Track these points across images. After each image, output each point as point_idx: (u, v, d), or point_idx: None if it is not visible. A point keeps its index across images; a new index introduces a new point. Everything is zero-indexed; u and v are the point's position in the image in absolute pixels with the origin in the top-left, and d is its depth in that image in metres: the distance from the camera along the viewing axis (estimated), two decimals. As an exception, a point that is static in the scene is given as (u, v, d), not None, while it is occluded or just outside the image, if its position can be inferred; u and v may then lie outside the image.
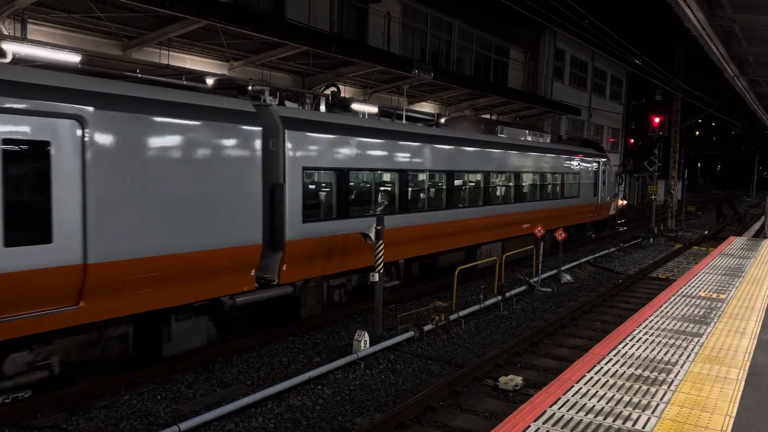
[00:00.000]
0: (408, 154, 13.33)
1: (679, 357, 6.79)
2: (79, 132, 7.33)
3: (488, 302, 13.78)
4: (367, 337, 10.26)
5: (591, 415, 5.18)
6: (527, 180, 18.98)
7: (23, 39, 10.97)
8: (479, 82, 23.81)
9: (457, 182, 15.16)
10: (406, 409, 7.82)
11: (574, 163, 22.48)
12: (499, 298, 14.18)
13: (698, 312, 8.90)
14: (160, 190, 8.25)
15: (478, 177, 16.17)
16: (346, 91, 18.58)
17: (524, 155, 18.71)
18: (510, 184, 17.87)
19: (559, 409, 5.31)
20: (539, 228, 16.84)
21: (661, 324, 8.18)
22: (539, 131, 21.80)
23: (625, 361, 6.60)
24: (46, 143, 7.02)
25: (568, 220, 22.18)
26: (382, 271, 11.16)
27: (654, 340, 7.44)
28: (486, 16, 28.13)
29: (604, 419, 5.11)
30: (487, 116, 26.49)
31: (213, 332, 9.93)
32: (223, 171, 9.10)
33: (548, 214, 20.25)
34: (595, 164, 24.65)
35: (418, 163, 13.67)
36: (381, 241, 11.07)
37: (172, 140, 8.42)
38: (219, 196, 9.04)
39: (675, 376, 6.16)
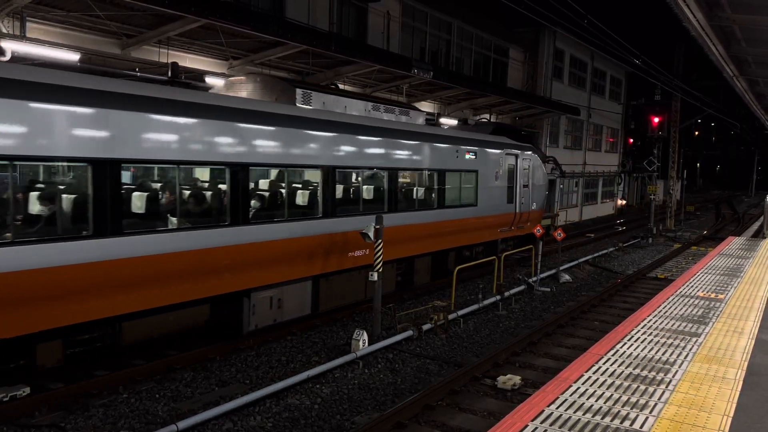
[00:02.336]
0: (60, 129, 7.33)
1: (678, 357, 6.79)
2: None
3: (487, 302, 13.79)
4: (365, 336, 10.26)
5: (589, 415, 5.18)
6: (361, 181, 12.27)
7: (22, 37, 10.96)
8: (478, 82, 23.81)
9: (197, 184, 9.44)
10: (405, 409, 7.82)
11: (468, 156, 15.53)
12: (498, 297, 14.19)
13: (697, 312, 8.91)
14: None
15: (245, 175, 9.58)
16: (344, 89, 18.57)
17: (355, 140, 11.84)
18: (317, 187, 11.10)
19: (557, 408, 5.31)
20: (538, 228, 16.83)
21: (660, 324, 8.18)
22: (405, 106, 14.66)
23: (624, 361, 6.60)
24: None
25: (455, 240, 15.36)
26: (380, 270, 11.16)
27: (652, 339, 7.44)
28: (485, 15, 28.12)
29: (602, 419, 5.11)
30: (487, 116, 26.52)
31: None
32: None
33: (407, 233, 13.32)
34: (510, 159, 17.81)
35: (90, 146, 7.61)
36: (380, 240, 11.06)
37: None
38: None
39: (673, 376, 6.17)
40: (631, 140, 50.03)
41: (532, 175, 19.23)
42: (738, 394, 5.75)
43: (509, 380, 9.10)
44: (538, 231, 16.75)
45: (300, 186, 11.15)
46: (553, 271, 17.92)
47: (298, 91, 11.70)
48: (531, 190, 19.07)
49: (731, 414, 5.29)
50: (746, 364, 6.62)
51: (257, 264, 9.87)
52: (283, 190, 10.66)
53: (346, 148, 11.74)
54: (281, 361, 9.96)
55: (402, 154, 13.30)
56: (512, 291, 14.98)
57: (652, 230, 28.92)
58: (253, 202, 10.06)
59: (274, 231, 10.16)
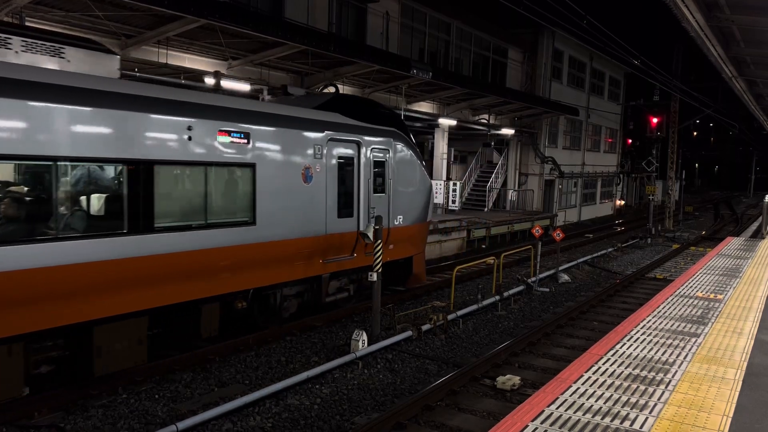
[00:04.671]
0: None
1: (677, 357, 6.80)
2: None
3: (486, 302, 13.79)
4: (365, 336, 10.26)
5: (589, 415, 5.19)
6: None
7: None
8: (477, 82, 23.84)
9: None
10: (404, 409, 7.82)
11: (224, 140, 9.29)
12: (497, 298, 14.19)
13: (696, 312, 8.92)
14: None
15: None
16: (344, 91, 18.58)
17: None
18: None
19: (557, 408, 5.31)
20: (537, 228, 16.83)
21: (659, 324, 8.19)
22: (49, 38, 8.05)
23: (623, 361, 6.61)
24: None
25: (204, 285, 9.11)
26: (380, 271, 11.17)
27: (652, 340, 7.45)
28: (484, 16, 28.16)
29: (602, 419, 5.12)
30: (485, 116, 26.53)
31: None
32: None
33: (49, 282, 7.25)
34: (344, 149, 11.70)
35: None
36: (380, 241, 11.07)
37: None
38: None
39: (672, 376, 6.17)
40: (630, 141, 50.11)
41: (395, 174, 13.00)
42: (737, 394, 5.76)
43: (509, 380, 9.10)
44: (537, 231, 16.72)
45: None
46: (552, 272, 17.93)
47: None
48: (391, 197, 12.88)
49: (731, 414, 5.29)
50: (745, 364, 6.63)
51: None
52: None
53: None
54: (280, 362, 9.95)
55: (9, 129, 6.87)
56: (511, 291, 14.98)
57: (651, 231, 28.95)
58: None
59: None
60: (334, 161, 11.47)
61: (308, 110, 11.34)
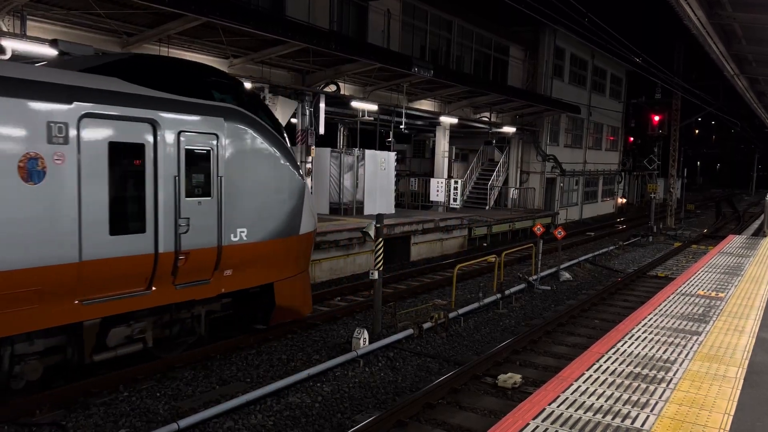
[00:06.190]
0: None
1: (678, 355, 6.79)
2: None
3: (487, 300, 13.78)
4: (366, 335, 10.26)
5: (590, 413, 5.18)
6: None
7: (22, 36, 10.96)
8: (479, 80, 23.82)
9: None
10: (405, 407, 7.83)
11: None
12: (499, 296, 14.18)
13: (697, 310, 8.91)
14: None
15: None
16: (345, 89, 18.58)
17: None
18: None
19: (558, 407, 5.31)
20: (538, 226, 16.82)
21: (660, 322, 8.18)
22: None
23: (624, 360, 6.60)
24: None
25: None
26: (381, 269, 11.17)
27: (653, 338, 7.44)
28: (486, 14, 28.13)
29: (603, 417, 5.11)
30: (487, 114, 26.51)
31: None
32: None
33: None
34: (137, 129, 7.93)
35: None
36: (381, 240, 11.08)
37: None
38: None
39: (674, 375, 6.17)
40: (632, 139, 50.00)
41: (232, 170, 9.16)
42: (739, 392, 5.75)
43: (510, 379, 9.11)
44: (538, 230, 16.70)
45: None
46: (553, 270, 17.91)
47: None
48: (223, 201, 9.04)
49: (732, 412, 5.29)
50: (747, 362, 6.62)
51: None
52: None
53: None
54: (282, 360, 9.96)
55: None
56: (513, 289, 14.97)
57: (653, 229, 28.92)
58: None
59: None
60: (99, 149, 7.59)
61: (51, 71, 7.44)
